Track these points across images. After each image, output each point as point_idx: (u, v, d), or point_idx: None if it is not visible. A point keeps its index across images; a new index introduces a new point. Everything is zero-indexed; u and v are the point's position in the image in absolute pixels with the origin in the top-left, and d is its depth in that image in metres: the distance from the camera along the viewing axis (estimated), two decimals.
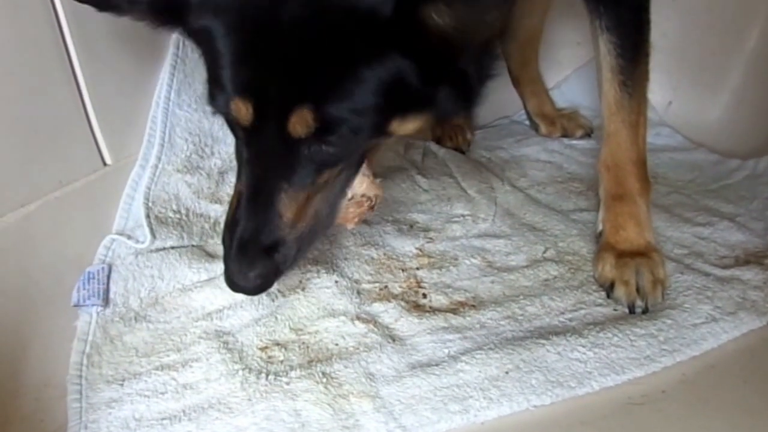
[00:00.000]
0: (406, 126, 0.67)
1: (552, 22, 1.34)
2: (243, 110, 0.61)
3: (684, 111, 1.34)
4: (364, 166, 0.74)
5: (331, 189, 0.70)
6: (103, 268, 0.79)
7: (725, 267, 0.87)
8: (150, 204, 0.87)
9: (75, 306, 0.75)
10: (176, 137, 0.92)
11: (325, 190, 0.69)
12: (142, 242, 0.84)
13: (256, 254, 0.66)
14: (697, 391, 0.67)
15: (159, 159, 0.90)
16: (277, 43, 0.59)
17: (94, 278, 0.77)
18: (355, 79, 0.60)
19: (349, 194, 0.73)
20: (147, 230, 0.84)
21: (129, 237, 0.84)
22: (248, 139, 0.65)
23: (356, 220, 0.76)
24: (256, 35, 0.60)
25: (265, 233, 0.65)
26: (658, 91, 1.31)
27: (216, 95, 0.64)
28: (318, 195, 0.68)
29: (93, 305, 0.75)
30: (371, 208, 0.79)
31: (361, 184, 0.74)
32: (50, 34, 0.75)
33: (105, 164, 0.85)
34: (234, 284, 0.67)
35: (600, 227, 0.90)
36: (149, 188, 0.88)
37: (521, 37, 1.32)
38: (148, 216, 0.86)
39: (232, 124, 0.66)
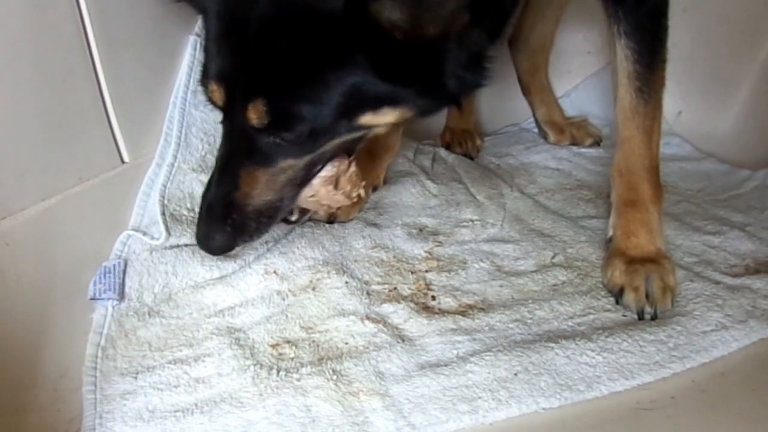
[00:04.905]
0: (383, 118, 0.70)
1: (563, 30, 1.36)
2: (217, 93, 0.69)
3: (694, 121, 1.34)
4: (348, 175, 0.79)
5: (295, 175, 0.75)
6: (118, 263, 0.80)
7: (735, 276, 0.87)
8: (165, 201, 0.89)
9: (91, 299, 0.76)
10: (192, 137, 0.94)
11: (288, 174, 0.74)
12: (157, 239, 0.85)
13: (218, 218, 0.73)
14: (706, 398, 0.67)
15: (175, 158, 0.92)
16: (246, 36, 0.64)
17: (110, 272, 0.78)
18: (311, 77, 0.64)
19: (310, 192, 0.78)
20: (162, 227, 0.86)
21: (144, 233, 0.86)
22: (223, 118, 0.72)
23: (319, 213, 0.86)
24: (232, 25, 0.66)
25: (225, 200, 0.72)
26: (668, 101, 1.29)
27: (202, 75, 0.72)
28: (280, 177, 0.73)
29: (109, 299, 0.77)
30: (330, 217, 0.89)
31: (328, 193, 0.79)
32: (74, 34, 0.77)
33: (123, 162, 0.87)
34: (201, 244, 0.76)
35: (610, 233, 0.90)
36: (165, 186, 0.90)
37: (532, 45, 1.33)
38: (163, 213, 0.87)
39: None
